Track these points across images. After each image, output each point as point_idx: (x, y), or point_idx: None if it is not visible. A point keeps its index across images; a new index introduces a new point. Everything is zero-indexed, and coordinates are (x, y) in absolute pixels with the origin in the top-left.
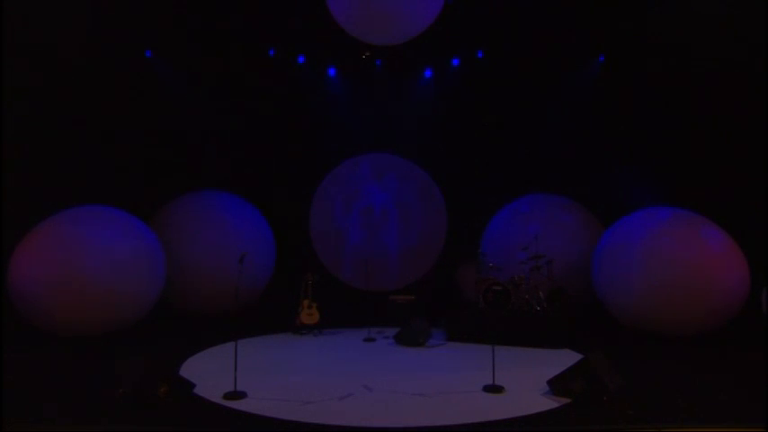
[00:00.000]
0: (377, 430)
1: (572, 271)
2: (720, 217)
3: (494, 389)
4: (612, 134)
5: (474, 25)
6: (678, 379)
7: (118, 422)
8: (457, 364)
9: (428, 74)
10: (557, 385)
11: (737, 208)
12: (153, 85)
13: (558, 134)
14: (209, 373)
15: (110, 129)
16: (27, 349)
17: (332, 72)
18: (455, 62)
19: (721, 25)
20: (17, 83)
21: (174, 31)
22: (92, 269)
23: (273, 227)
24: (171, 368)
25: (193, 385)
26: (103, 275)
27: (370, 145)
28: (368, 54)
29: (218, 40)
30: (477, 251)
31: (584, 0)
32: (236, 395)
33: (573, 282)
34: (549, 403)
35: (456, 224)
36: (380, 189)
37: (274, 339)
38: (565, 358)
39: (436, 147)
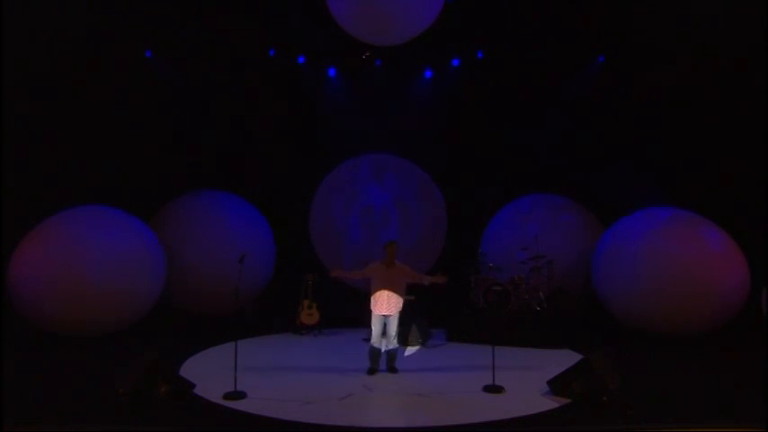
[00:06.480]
0: (377, 430)
1: (572, 271)
2: (720, 217)
3: (494, 389)
4: (612, 134)
5: (474, 25)
6: (678, 379)
7: (118, 422)
8: (457, 364)
9: (428, 74)
10: (557, 385)
11: (737, 208)
12: (153, 85)
13: (558, 134)
14: (209, 373)
15: (110, 129)
16: (27, 349)
17: (332, 72)
18: (455, 62)
19: (721, 25)
20: (17, 83)
21: (174, 31)
22: (92, 269)
23: (273, 227)
24: (171, 368)
25: (193, 385)
26: (103, 275)
27: (370, 145)
28: (368, 54)
29: (218, 40)
30: (476, 251)
31: (584, 0)
32: (236, 395)
33: (573, 282)
34: (549, 403)
35: (456, 224)
36: (380, 189)
37: (274, 339)
38: (565, 358)
39: (436, 147)
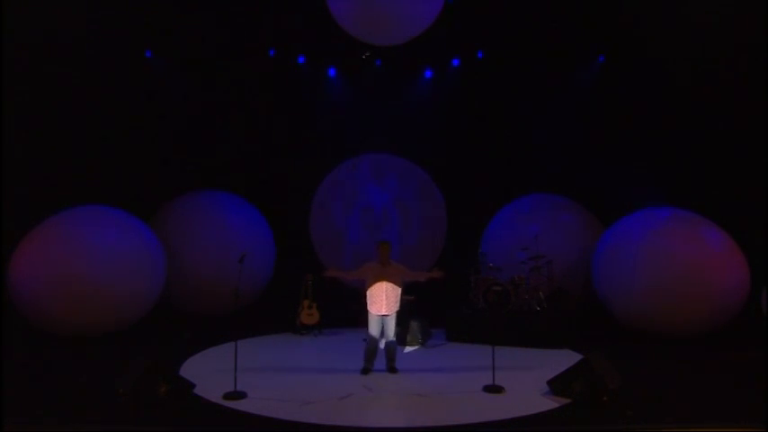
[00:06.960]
0: (377, 430)
1: (572, 271)
2: (720, 217)
3: (494, 389)
4: (612, 134)
5: (474, 25)
6: (678, 379)
7: (118, 422)
8: (457, 364)
9: (428, 74)
10: (557, 385)
11: (737, 208)
12: (153, 85)
13: (558, 134)
14: (209, 373)
15: (110, 129)
16: (27, 349)
17: (332, 72)
18: (455, 62)
19: (721, 25)
20: (17, 83)
21: (174, 31)
22: (92, 269)
23: (273, 227)
24: (171, 368)
25: (193, 385)
26: (103, 275)
27: (370, 145)
28: (368, 54)
29: (219, 40)
30: (476, 251)
31: (584, 0)
32: (236, 395)
33: (573, 282)
34: (549, 403)
35: (456, 224)
36: (380, 189)
37: (274, 339)
38: (565, 358)
39: (436, 147)
